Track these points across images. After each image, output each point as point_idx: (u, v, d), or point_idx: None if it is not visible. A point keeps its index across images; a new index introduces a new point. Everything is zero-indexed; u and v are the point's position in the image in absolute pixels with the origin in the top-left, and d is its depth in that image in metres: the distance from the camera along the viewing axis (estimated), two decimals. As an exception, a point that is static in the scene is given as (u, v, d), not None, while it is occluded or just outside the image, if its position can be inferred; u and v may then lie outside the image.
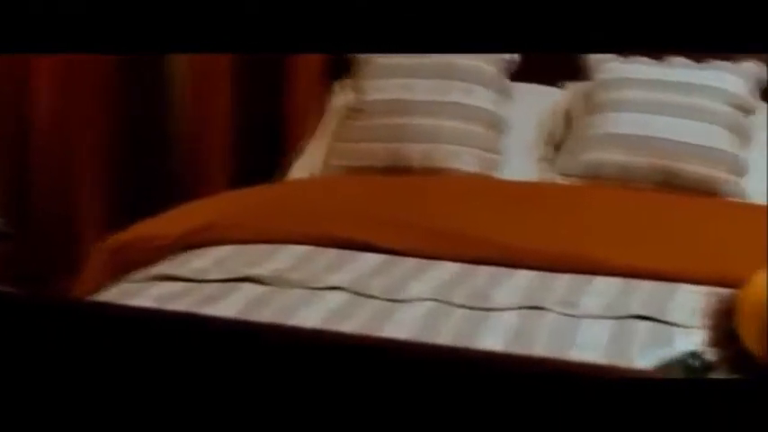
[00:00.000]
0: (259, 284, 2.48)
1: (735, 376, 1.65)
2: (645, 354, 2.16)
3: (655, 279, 2.56)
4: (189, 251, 2.73)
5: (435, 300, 2.42)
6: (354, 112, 3.43)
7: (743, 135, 3.22)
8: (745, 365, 1.63)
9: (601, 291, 2.50)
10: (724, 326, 1.64)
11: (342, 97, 3.62)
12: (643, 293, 2.48)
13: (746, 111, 3.26)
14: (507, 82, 3.47)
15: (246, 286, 2.47)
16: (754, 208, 3.03)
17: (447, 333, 2.26)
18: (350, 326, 2.27)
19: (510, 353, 2.07)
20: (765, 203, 3.08)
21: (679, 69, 3.29)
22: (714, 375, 1.75)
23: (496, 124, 3.38)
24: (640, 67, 3.32)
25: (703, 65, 3.32)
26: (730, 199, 3.10)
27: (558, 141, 3.42)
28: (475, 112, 3.35)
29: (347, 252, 2.71)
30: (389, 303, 2.40)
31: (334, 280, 2.51)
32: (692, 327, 2.29)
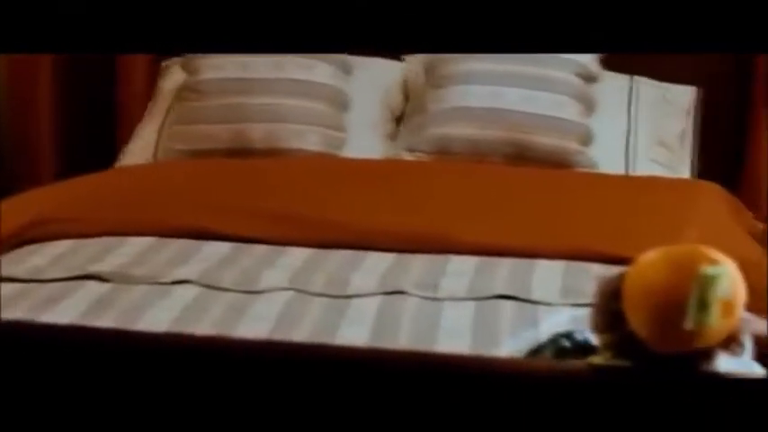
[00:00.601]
0: (102, 282, 2.33)
1: (621, 361, 1.60)
2: (514, 337, 2.11)
3: (513, 256, 2.52)
4: (21, 248, 2.55)
5: (292, 289, 2.32)
6: (189, 92, 3.27)
7: (589, 104, 3.20)
8: (633, 350, 1.57)
9: (460, 270, 2.44)
10: (611, 308, 1.58)
11: (172, 77, 3.45)
12: (504, 272, 2.43)
13: (591, 79, 3.24)
14: (347, 56, 3.36)
15: (88, 285, 2.32)
16: (604, 178, 3.01)
17: (308, 324, 2.17)
18: (204, 323, 2.15)
19: (374, 348, 1.98)
20: (612, 173, 3.08)
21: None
22: (594, 357, 1.69)
23: (339, 101, 3.27)
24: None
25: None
26: (581, 169, 3.07)
27: (400, 116, 3.33)
28: (316, 89, 3.23)
29: (193, 242, 2.58)
30: (244, 295, 2.29)
31: (182, 273, 2.38)
32: (557, 304, 2.26)
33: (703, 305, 1.50)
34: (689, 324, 1.50)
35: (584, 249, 2.52)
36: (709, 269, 1.50)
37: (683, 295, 1.50)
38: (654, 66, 3.38)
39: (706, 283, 1.49)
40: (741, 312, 1.56)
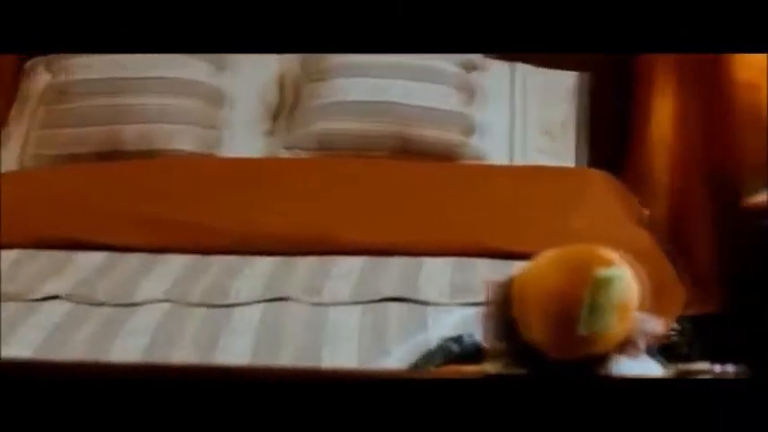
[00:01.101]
0: (-34, 301, 2.21)
1: (515, 369, 1.53)
2: (403, 343, 2.05)
3: (401, 254, 2.46)
4: None
5: (170, 300, 2.23)
6: (56, 94, 3.11)
7: (471, 93, 3.12)
8: (528, 358, 1.50)
9: (346, 272, 2.38)
10: (503, 316, 1.51)
11: (37, 78, 3.27)
12: (391, 272, 2.37)
13: (473, 68, 3.17)
14: (220, 51, 3.24)
15: (-48, 304, 2.19)
16: (491, 170, 2.94)
17: (188, 337, 2.09)
18: (76, 341, 2.05)
19: (253, 366, 1.91)
20: (498, 164, 3.02)
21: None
22: (487, 365, 1.63)
23: (214, 98, 3.14)
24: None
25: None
26: (467, 161, 2.99)
27: (279, 113, 3.22)
28: (190, 87, 3.10)
29: (63, 253, 2.47)
30: (119, 309, 2.19)
31: (52, 288, 2.28)
32: (447, 304, 2.21)
33: (597, 309, 1.44)
34: (582, 329, 1.44)
35: (473, 245, 2.47)
36: (601, 272, 1.44)
37: (577, 300, 1.44)
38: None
39: (599, 286, 1.44)
40: (636, 313, 1.50)
